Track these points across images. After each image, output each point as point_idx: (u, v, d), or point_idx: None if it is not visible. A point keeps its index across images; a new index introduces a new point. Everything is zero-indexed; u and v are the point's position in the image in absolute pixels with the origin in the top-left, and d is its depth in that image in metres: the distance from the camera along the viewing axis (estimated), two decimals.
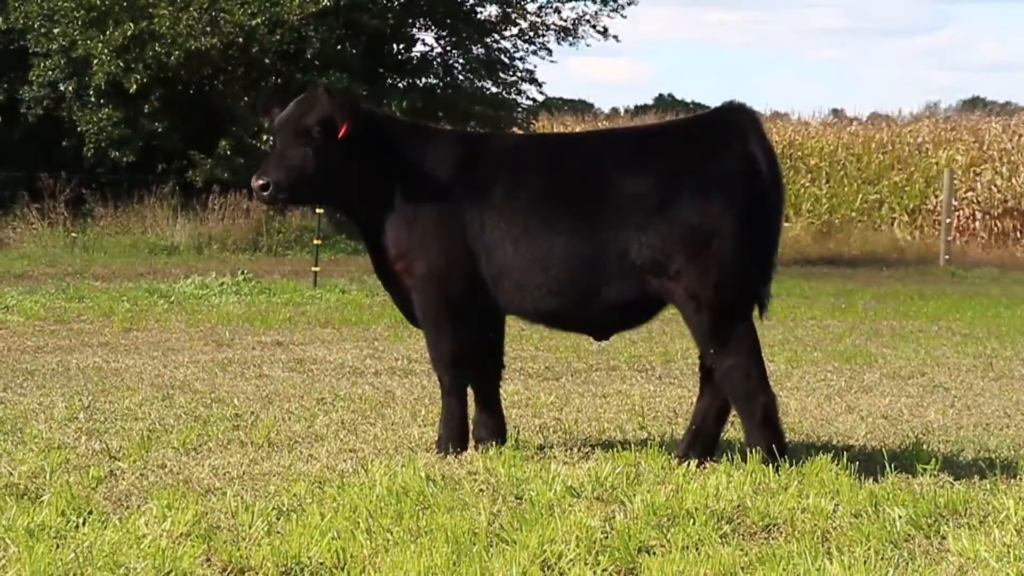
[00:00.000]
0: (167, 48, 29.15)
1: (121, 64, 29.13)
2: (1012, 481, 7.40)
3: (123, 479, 7.16)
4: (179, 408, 9.56)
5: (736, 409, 7.62)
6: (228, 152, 29.44)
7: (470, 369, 7.93)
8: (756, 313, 7.65)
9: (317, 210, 23.39)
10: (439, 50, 32.96)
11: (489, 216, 7.68)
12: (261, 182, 7.75)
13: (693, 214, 7.44)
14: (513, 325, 16.11)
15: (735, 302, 7.49)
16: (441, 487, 6.92)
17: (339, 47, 30.45)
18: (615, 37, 33.37)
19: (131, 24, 29.08)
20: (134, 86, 28.97)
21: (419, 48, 33.10)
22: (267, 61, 30.77)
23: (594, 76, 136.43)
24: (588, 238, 7.54)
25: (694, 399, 10.30)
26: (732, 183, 7.46)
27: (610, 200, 7.53)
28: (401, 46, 32.67)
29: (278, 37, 30.04)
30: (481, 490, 6.96)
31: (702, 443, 7.81)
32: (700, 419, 7.83)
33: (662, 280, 7.47)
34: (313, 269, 21.93)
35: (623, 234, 7.47)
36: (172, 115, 29.96)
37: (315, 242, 23.09)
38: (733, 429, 9.04)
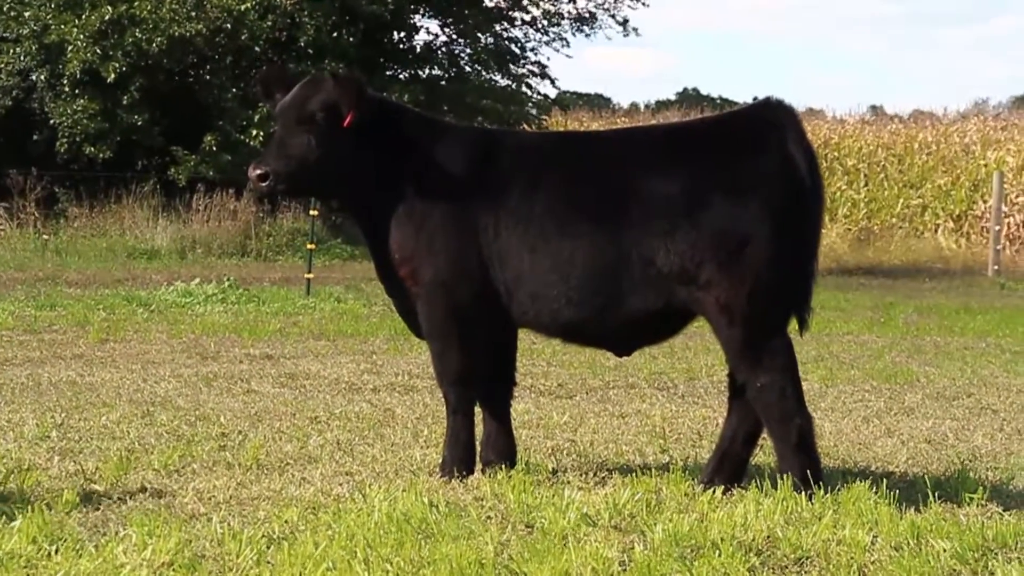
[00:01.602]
0: (148, 34, 29.24)
1: (98, 51, 29.23)
2: None
3: (99, 503, 7.18)
4: (160, 426, 9.58)
5: (769, 431, 7.62)
6: (214, 148, 29.53)
7: (478, 386, 7.94)
8: (796, 328, 7.65)
9: (311, 212, 23.43)
10: (444, 39, 33.05)
11: (505, 220, 7.68)
12: (259, 171, 7.74)
13: (725, 218, 7.42)
14: (524, 339, 16.13)
15: (770, 315, 7.48)
16: (445, 514, 6.93)
17: (335, 34, 30.54)
18: (635, 30, 33.46)
19: (109, 8, 29.18)
20: (112, 75, 29.06)
21: (422, 37, 33.22)
22: (257, 49, 30.87)
23: (611, 68, 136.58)
24: (610, 243, 7.52)
25: (720, 420, 10.34)
26: (768, 185, 7.44)
27: (635, 203, 7.52)
28: (402, 34, 32.77)
29: (269, 23, 30.14)
30: (489, 517, 6.97)
31: (729, 468, 7.81)
32: (728, 442, 7.83)
33: (691, 290, 7.45)
34: (306, 276, 21.95)
35: (649, 239, 7.46)
36: (153, 107, 30.04)
37: (308, 246, 23.15)
38: (763, 453, 9.05)
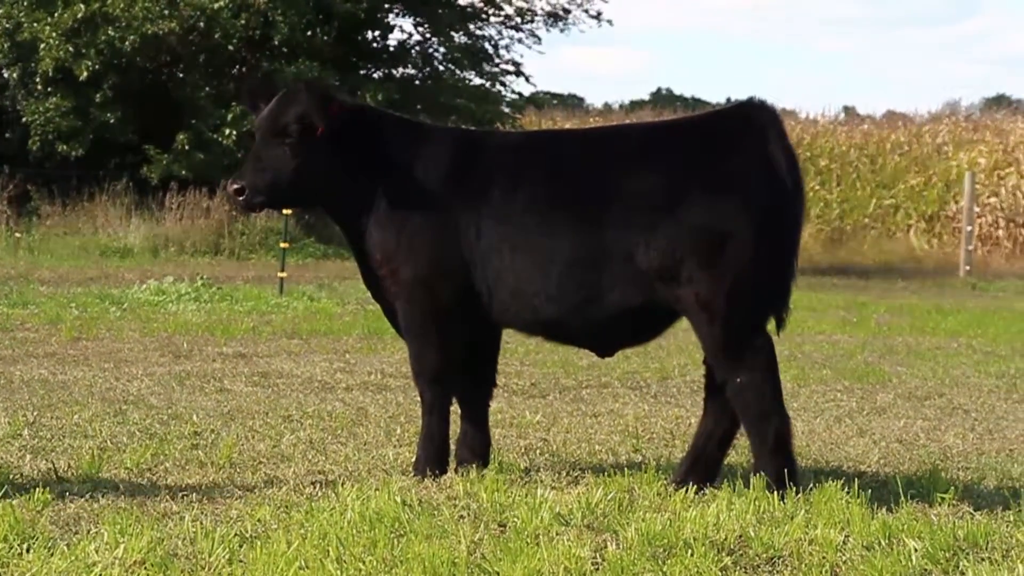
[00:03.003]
0: (121, 32, 29.17)
1: (71, 49, 29.14)
2: None
3: (71, 502, 7.16)
4: (132, 425, 9.56)
5: (746, 430, 7.63)
6: (187, 147, 29.46)
7: (454, 385, 7.95)
8: (773, 327, 7.66)
9: (284, 211, 23.38)
10: (418, 38, 33.03)
11: (486, 219, 7.71)
12: (236, 186, 7.81)
13: (706, 215, 7.44)
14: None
15: (750, 312, 7.50)
16: (418, 513, 6.93)
17: (309, 33, 30.52)
18: (608, 21, 33.47)
19: (82, 5, 29.10)
20: (85, 73, 28.97)
21: (396, 36, 33.19)
22: (231, 48, 30.80)
23: (586, 68, 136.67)
24: (591, 240, 7.55)
25: (694, 420, 10.36)
26: (749, 184, 7.46)
27: (616, 200, 7.55)
28: (377, 33, 32.73)
29: (243, 22, 30.09)
30: (461, 516, 6.96)
31: (703, 468, 7.82)
32: (702, 442, 7.84)
33: (671, 287, 7.46)
34: (279, 275, 21.91)
35: (629, 236, 7.48)
36: (126, 105, 29.96)
37: (281, 245, 23.11)
38: (736, 453, 9.07)
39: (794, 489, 7.39)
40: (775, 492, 7.34)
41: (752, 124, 7.55)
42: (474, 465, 7.94)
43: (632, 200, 7.51)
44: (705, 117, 8.19)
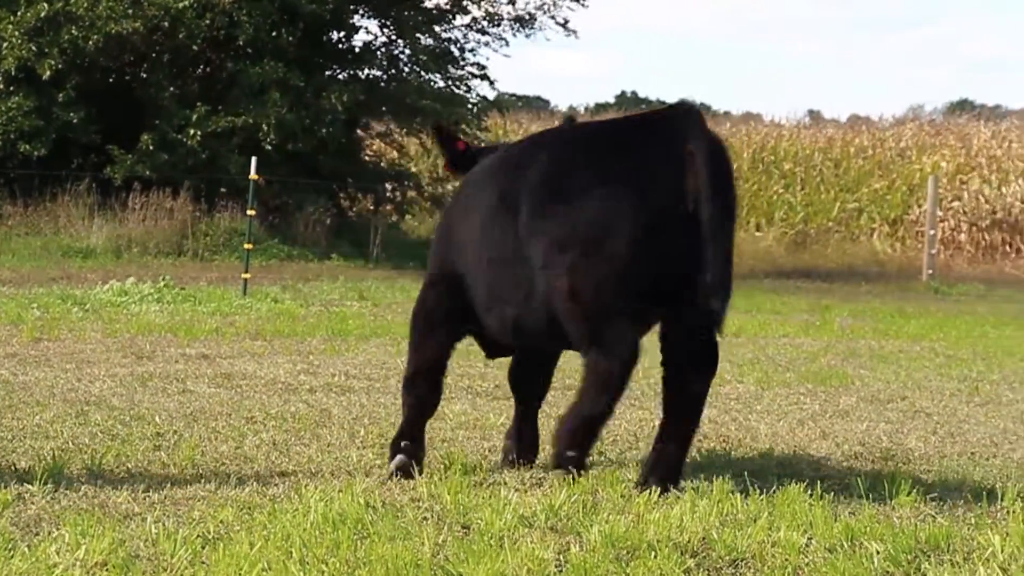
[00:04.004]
0: (85, 31, 29.04)
1: (33, 48, 28.99)
2: (998, 515, 7.47)
3: (32, 503, 7.13)
4: (94, 426, 9.52)
5: (573, 407, 7.82)
6: (151, 147, 29.34)
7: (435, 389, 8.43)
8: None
9: (248, 212, 23.34)
10: (383, 39, 32.98)
11: (465, 230, 8.11)
12: None
13: (595, 208, 7.50)
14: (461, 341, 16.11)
15: (616, 310, 7.56)
16: (381, 514, 6.93)
17: (274, 33, 30.44)
18: (574, 31, 33.49)
19: (45, 4, 28.96)
20: (47, 72, 28.83)
21: (361, 37, 33.21)
22: (195, 48, 30.72)
23: (550, 70, 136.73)
24: (511, 243, 7.76)
25: (657, 421, 10.37)
26: (650, 181, 7.51)
27: (530, 202, 7.71)
28: (342, 34, 32.66)
29: (207, 21, 30.01)
30: (425, 518, 6.96)
31: (664, 468, 7.83)
32: (662, 442, 7.86)
33: (549, 276, 7.60)
34: (243, 276, 21.87)
35: (536, 237, 7.64)
36: (89, 105, 29.82)
37: (245, 246, 23.05)
38: (697, 454, 9.10)
39: (578, 475, 7.70)
40: (568, 471, 7.73)
41: (670, 124, 7.60)
42: (524, 460, 8.44)
43: (542, 201, 7.66)
44: (633, 117, 8.30)
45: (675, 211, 7.43)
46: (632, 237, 7.45)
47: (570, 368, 13.30)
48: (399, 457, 8.11)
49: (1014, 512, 7.41)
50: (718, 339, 7.71)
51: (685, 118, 7.58)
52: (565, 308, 7.59)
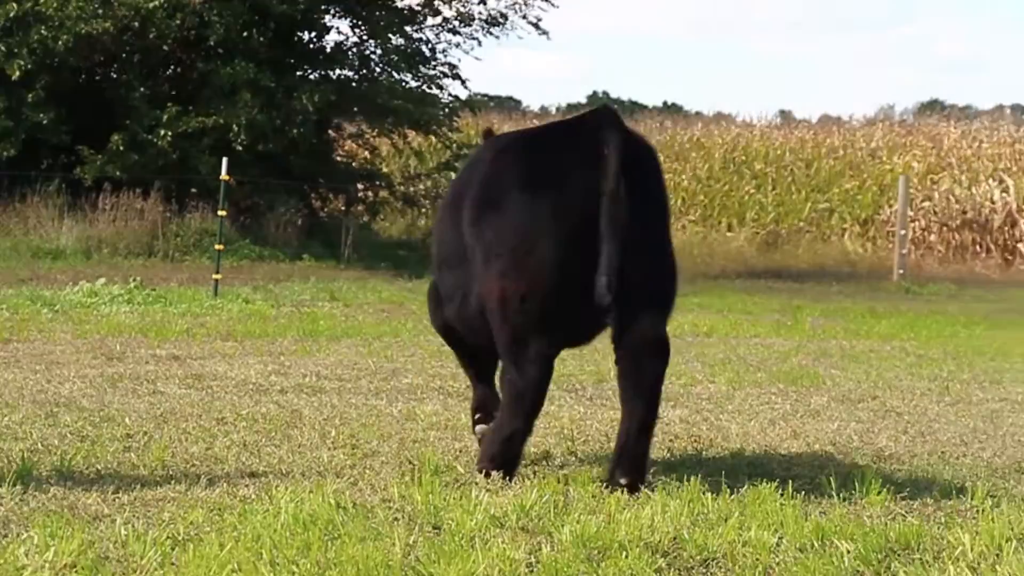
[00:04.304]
0: (54, 32, 28.93)
1: (2, 48, 28.89)
2: (968, 514, 7.50)
3: (0, 505, 7.10)
4: (64, 427, 9.49)
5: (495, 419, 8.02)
6: (121, 147, 29.23)
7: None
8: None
9: (219, 212, 23.28)
10: (354, 40, 32.93)
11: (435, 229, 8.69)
12: None
13: (511, 213, 7.63)
14: (433, 342, 16.14)
15: (533, 322, 7.61)
16: (352, 515, 6.92)
17: (245, 34, 30.36)
18: (545, 33, 33.47)
19: (15, 4, 28.84)
20: (17, 73, 28.71)
21: (333, 37, 33.11)
22: (165, 48, 30.64)
23: (522, 71, 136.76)
24: (460, 246, 7.99)
25: None
26: (564, 187, 7.59)
27: (469, 207, 7.90)
28: (313, 34, 32.61)
29: (178, 22, 29.92)
30: (396, 519, 6.96)
31: (628, 463, 7.85)
32: (623, 438, 7.87)
33: (480, 283, 7.79)
34: (214, 276, 21.82)
35: (473, 242, 7.84)
36: (59, 105, 29.70)
37: (216, 247, 23.00)
38: (669, 453, 9.11)
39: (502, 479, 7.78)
40: (481, 472, 7.86)
41: (588, 128, 7.69)
42: None
43: (480, 203, 7.82)
44: (557, 123, 8.39)
45: (595, 214, 7.47)
46: (550, 242, 7.52)
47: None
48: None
49: (984, 511, 7.45)
50: (666, 333, 7.76)
51: (602, 121, 7.66)
52: (489, 314, 7.76)
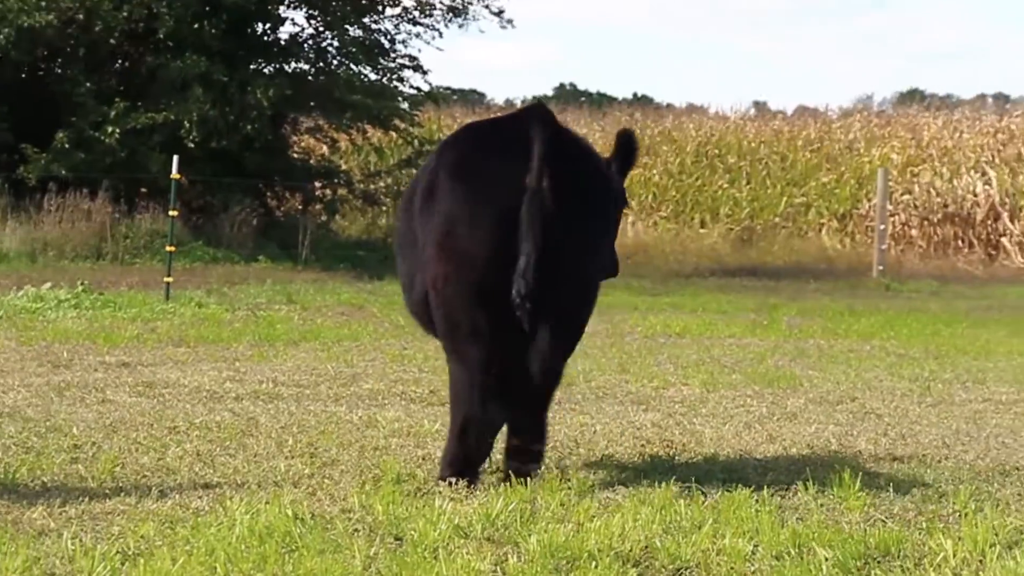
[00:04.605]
0: None
1: None
2: (950, 519, 7.53)
3: None
4: (8, 438, 9.46)
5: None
6: (67, 145, 29.11)
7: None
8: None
9: (170, 212, 23.22)
10: (311, 31, 32.87)
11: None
12: None
13: (444, 205, 7.93)
14: (394, 344, 16.08)
15: (463, 315, 7.88)
16: (310, 527, 6.92)
17: (196, 26, 30.24)
18: (510, 22, 33.45)
19: None
20: None
21: (288, 28, 33.01)
22: (112, 41, 30.50)
23: (486, 63, 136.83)
24: (412, 235, 8.31)
25: (599, 427, 10.45)
26: (485, 179, 7.92)
27: (418, 200, 8.23)
28: (267, 26, 32.52)
29: (125, 13, 29.80)
30: (356, 530, 6.96)
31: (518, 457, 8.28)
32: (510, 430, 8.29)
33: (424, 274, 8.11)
34: (165, 280, 21.77)
35: (422, 234, 8.15)
36: (1, 102, 29.57)
37: (167, 249, 22.93)
38: (641, 459, 9.12)
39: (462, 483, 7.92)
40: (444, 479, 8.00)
41: (520, 123, 7.95)
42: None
43: (424, 197, 8.11)
44: (496, 119, 8.86)
45: (518, 208, 7.72)
46: (470, 230, 7.82)
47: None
48: None
49: (966, 516, 7.49)
50: (560, 363, 8.08)
51: (532, 117, 7.92)
52: (430, 301, 8.05)
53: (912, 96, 54.71)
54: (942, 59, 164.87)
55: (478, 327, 7.87)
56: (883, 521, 7.41)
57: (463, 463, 8.03)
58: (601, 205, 8.19)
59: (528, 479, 7.98)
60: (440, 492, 7.87)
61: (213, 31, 30.41)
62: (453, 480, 7.96)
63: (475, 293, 7.83)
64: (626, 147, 8.73)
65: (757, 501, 7.54)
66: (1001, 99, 52.43)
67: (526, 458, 8.15)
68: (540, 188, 7.70)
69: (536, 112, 8.00)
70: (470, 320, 7.88)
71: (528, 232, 7.66)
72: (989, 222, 37.80)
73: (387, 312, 20.00)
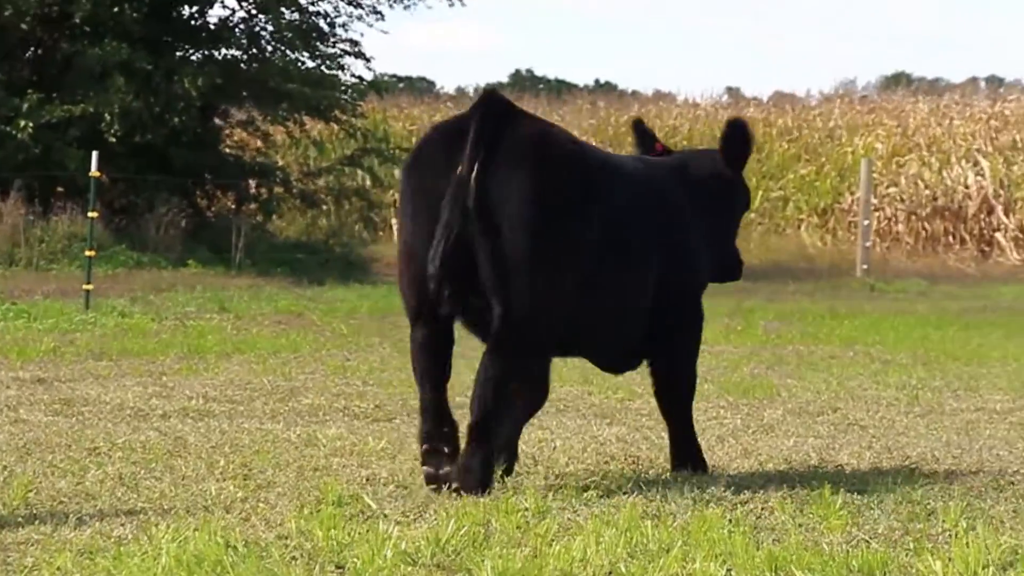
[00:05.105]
0: None
1: None
2: (939, 538, 7.56)
3: None
4: None
5: None
6: None
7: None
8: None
9: (89, 214, 23.14)
10: (242, 15, 32.83)
11: None
12: None
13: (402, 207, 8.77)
14: (337, 356, 16.07)
15: (407, 304, 8.55)
16: (243, 555, 6.90)
17: (116, 9, 30.18)
18: (460, 0, 33.46)
19: None
20: None
21: (217, 12, 33.03)
22: (24, 27, 30.40)
23: (436, 47, 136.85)
24: None
25: (559, 442, 10.46)
26: (422, 167, 8.53)
27: None
28: (194, 9, 32.48)
29: None
30: (293, 558, 6.95)
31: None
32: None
33: None
34: (84, 287, 21.70)
35: None
36: None
37: (87, 253, 22.87)
38: (604, 476, 9.13)
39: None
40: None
41: (470, 114, 8.40)
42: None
43: None
44: (462, 112, 8.99)
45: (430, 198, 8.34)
46: (415, 230, 8.41)
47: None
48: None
49: (957, 535, 7.51)
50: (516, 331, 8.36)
51: (476, 105, 8.38)
52: None
53: (898, 80, 55.00)
54: (930, 40, 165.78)
55: (423, 317, 8.42)
56: (867, 541, 7.43)
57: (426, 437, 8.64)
58: (541, 195, 8.38)
59: (449, 487, 8.34)
60: (386, 515, 7.86)
61: (135, 15, 30.35)
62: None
63: (419, 284, 8.32)
64: (734, 137, 9.43)
65: (730, 521, 7.55)
66: (994, 82, 52.74)
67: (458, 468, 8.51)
68: (468, 176, 8.14)
69: (482, 100, 8.37)
70: (414, 311, 8.46)
71: (444, 217, 8.14)
72: (982, 216, 38.02)
73: (328, 320, 19.99)
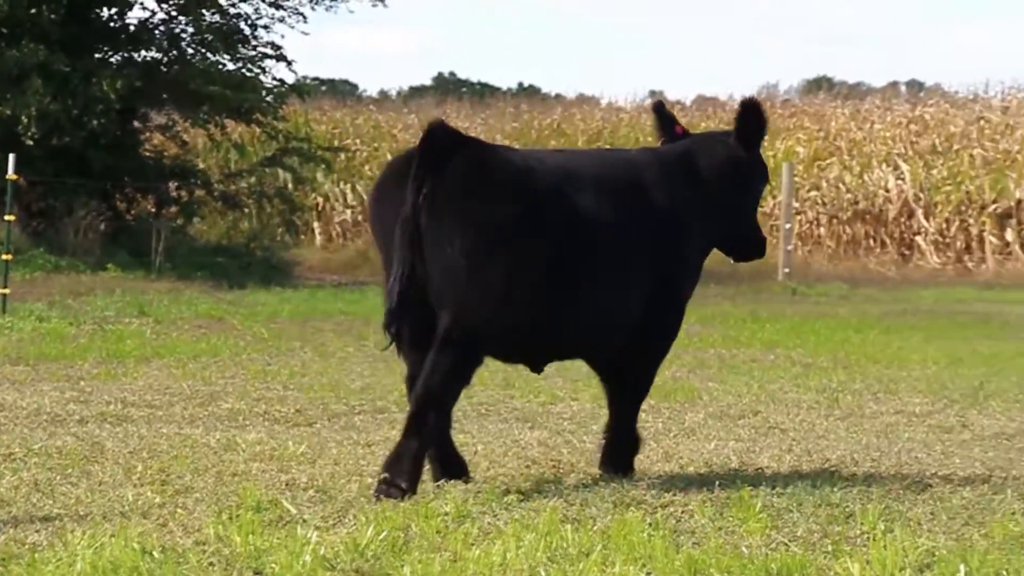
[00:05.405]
0: None
1: None
2: (857, 540, 7.61)
3: None
4: None
5: None
6: None
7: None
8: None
9: (6, 216, 22.97)
10: (162, 16, 32.65)
11: None
12: None
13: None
14: (257, 359, 16.03)
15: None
16: (160, 561, 6.87)
17: (33, 10, 29.96)
18: (382, 1, 33.42)
19: None
20: None
21: (137, 13, 32.82)
22: None
23: (358, 50, 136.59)
24: None
25: (481, 446, 10.47)
26: (379, 199, 8.99)
27: None
28: (113, 11, 32.27)
29: None
30: (211, 564, 6.93)
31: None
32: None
33: None
34: (1, 291, 21.54)
35: None
36: None
37: (4, 257, 22.68)
38: (525, 480, 9.14)
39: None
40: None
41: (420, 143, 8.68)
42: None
43: None
44: None
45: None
46: (380, 258, 8.89)
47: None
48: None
49: (875, 537, 7.57)
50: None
51: (422, 139, 8.59)
52: None
53: (819, 84, 55.33)
54: (852, 43, 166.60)
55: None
56: (786, 544, 7.47)
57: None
58: (478, 224, 8.58)
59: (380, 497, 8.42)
60: (304, 521, 7.85)
61: (53, 16, 30.13)
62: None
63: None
64: (748, 117, 9.83)
65: (650, 525, 7.58)
66: (915, 87, 53.11)
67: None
68: (413, 211, 8.44)
69: (426, 133, 8.60)
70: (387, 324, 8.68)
71: (396, 253, 8.51)
72: (902, 219, 38.27)
73: (249, 324, 19.92)
